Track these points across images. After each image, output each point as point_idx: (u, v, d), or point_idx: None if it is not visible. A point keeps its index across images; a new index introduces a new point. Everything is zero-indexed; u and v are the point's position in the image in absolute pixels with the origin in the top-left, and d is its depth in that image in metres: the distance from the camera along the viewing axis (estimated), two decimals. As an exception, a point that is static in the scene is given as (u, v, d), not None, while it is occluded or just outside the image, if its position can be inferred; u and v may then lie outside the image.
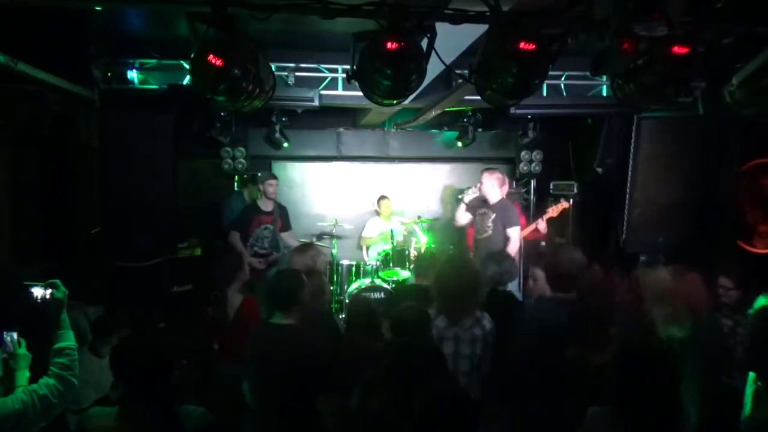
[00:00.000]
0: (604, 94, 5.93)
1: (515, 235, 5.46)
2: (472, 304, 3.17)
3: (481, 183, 5.64)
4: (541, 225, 5.84)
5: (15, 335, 2.43)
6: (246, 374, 3.06)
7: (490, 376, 3.18)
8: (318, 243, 6.46)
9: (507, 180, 5.80)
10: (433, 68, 3.30)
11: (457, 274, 3.22)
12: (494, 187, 5.58)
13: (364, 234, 7.18)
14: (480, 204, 5.69)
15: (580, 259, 3.28)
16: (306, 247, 4.25)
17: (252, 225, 6.03)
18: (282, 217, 6.35)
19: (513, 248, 5.39)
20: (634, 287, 3.34)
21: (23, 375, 2.40)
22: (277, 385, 2.89)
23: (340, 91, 5.62)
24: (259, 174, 6.53)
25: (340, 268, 6.61)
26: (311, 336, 3.00)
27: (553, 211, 5.91)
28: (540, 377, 3.05)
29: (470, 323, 3.12)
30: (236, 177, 6.97)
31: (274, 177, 6.32)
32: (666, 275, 3.31)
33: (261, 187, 6.12)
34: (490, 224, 5.51)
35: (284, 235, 6.35)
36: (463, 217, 5.80)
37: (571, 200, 6.13)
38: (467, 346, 3.10)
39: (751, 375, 2.74)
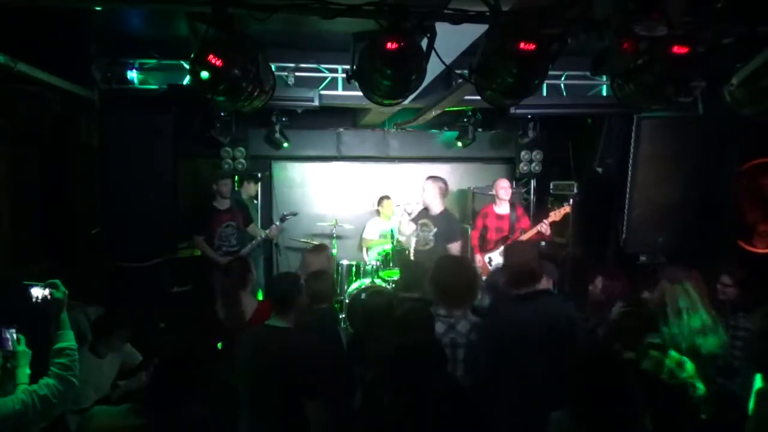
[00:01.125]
0: (604, 94, 5.93)
1: (454, 251, 5.27)
2: (467, 299, 3.18)
3: (423, 190, 5.46)
4: (544, 228, 5.82)
5: (14, 332, 2.42)
6: (239, 375, 3.07)
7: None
8: (281, 224, 6.41)
9: (448, 189, 5.57)
10: (433, 68, 3.30)
11: (454, 269, 3.25)
12: (436, 197, 5.38)
13: (364, 236, 7.18)
14: (422, 214, 5.51)
15: (528, 256, 3.20)
16: (320, 248, 4.26)
17: (213, 226, 5.93)
18: (242, 212, 6.26)
19: None
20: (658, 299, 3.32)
21: (24, 372, 2.39)
22: (269, 386, 2.90)
23: (340, 91, 5.61)
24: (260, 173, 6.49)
25: (340, 268, 6.61)
26: (304, 339, 3.00)
27: (555, 215, 5.89)
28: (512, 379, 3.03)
29: (467, 329, 3.11)
30: (236, 177, 6.96)
31: (227, 177, 6.26)
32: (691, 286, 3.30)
33: (215, 186, 6.01)
34: (431, 238, 5.33)
35: (249, 229, 6.30)
36: (407, 228, 5.57)
37: (571, 200, 6.12)
38: (463, 351, 3.09)
39: (757, 376, 2.74)
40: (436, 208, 5.40)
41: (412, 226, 5.53)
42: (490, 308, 3.62)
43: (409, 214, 5.58)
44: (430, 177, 5.52)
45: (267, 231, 6.29)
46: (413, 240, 5.52)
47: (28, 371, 2.41)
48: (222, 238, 5.96)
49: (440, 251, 5.23)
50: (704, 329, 3.09)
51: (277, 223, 6.41)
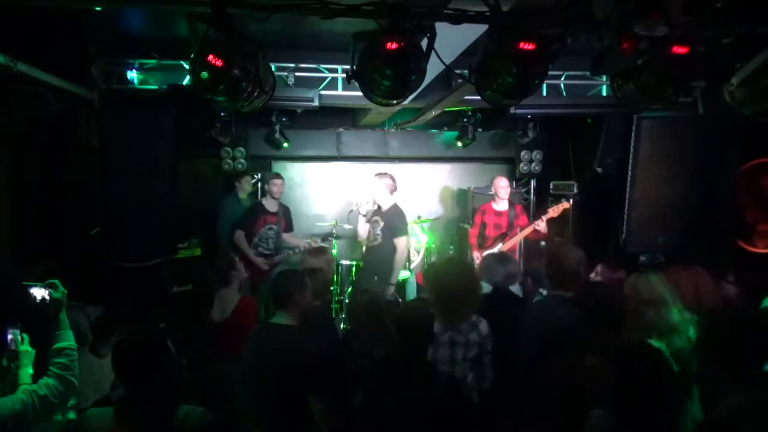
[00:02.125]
0: (604, 94, 5.93)
1: (401, 246, 5.26)
2: (467, 305, 3.15)
3: (372, 188, 5.47)
4: (541, 225, 5.82)
5: (18, 332, 2.42)
6: (240, 373, 3.07)
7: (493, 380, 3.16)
8: (321, 242, 6.44)
9: (396, 185, 5.54)
10: (433, 68, 3.30)
11: (454, 275, 3.22)
12: (384, 193, 5.38)
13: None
14: (375, 212, 5.53)
15: (582, 257, 3.25)
16: (320, 250, 4.32)
17: (257, 225, 6.00)
18: (286, 217, 6.33)
19: (399, 258, 5.26)
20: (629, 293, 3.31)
21: (26, 372, 2.39)
22: (270, 384, 2.90)
23: (339, 91, 5.61)
24: (260, 173, 6.51)
25: (340, 268, 6.60)
26: (307, 337, 3.00)
27: (553, 212, 5.89)
28: (546, 380, 3.03)
29: (466, 327, 3.11)
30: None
31: (279, 176, 6.29)
32: (658, 279, 3.28)
33: (266, 186, 6.11)
34: (379, 232, 5.35)
35: (285, 236, 6.32)
36: (363, 229, 5.57)
37: (571, 200, 6.13)
38: (462, 351, 3.08)
39: None
40: (386, 204, 5.43)
41: (367, 227, 5.54)
42: (530, 307, 3.58)
43: (364, 216, 5.58)
44: (377, 174, 5.54)
45: (308, 243, 6.21)
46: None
47: (30, 371, 2.41)
48: (262, 238, 5.98)
49: (388, 246, 5.28)
50: (670, 326, 3.02)
51: (319, 240, 6.43)
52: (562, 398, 2.83)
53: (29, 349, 2.44)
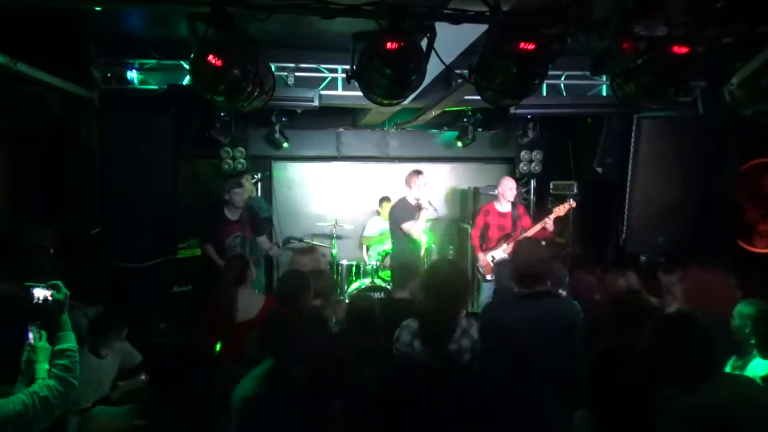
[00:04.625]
0: (604, 94, 5.93)
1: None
2: (458, 302, 3.14)
3: (420, 184, 5.74)
4: (549, 224, 5.82)
5: (36, 329, 2.43)
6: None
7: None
8: (282, 247, 6.43)
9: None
10: (433, 68, 3.30)
11: (446, 271, 3.20)
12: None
13: (365, 234, 7.19)
14: (416, 207, 5.75)
15: (543, 255, 3.15)
16: (307, 250, 4.30)
17: (223, 236, 5.75)
18: (251, 220, 5.96)
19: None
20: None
21: (42, 367, 2.40)
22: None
23: (339, 91, 5.61)
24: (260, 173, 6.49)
25: (340, 268, 6.61)
26: (311, 336, 3.00)
27: (560, 210, 5.89)
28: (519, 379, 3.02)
29: (458, 334, 3.09)
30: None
31: (240, 185, 5.87)
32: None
33: (227, 197, 5.76)
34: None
35: (259, 240, 6.04)
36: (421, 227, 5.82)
37: (572, 200, 6.14)
38: (457, 358, 3.06)
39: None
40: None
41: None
42: (486, 307, 3.61)
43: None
44: (419, 172, 5.85)
45: (268, 249, 6.13)
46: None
47: (46, 366, 2.42)
48: (231, 248, 5.82)
49: None
50: None
51: (279, 245, 6.41)
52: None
53: (47, 345, 2.45)
